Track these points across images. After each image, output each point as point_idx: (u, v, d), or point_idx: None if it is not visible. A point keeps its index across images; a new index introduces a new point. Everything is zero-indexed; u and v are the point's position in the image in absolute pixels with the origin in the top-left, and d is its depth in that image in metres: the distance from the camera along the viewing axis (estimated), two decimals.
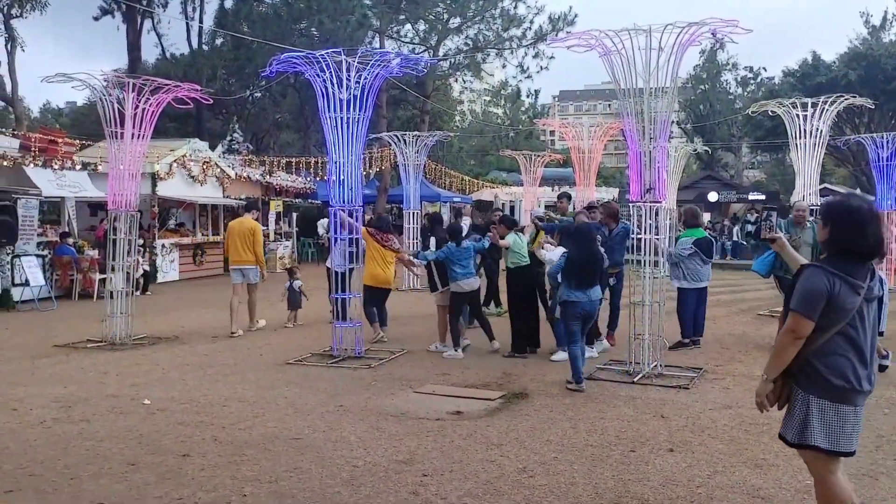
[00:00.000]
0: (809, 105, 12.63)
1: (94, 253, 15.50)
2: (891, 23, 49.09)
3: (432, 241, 10.01)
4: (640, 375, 7.80)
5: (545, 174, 24.91)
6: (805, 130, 12.65)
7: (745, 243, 27.18)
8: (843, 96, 12.79)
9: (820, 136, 12.66)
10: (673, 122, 62.68)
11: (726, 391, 7.31)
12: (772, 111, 13.76)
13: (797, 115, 12.71)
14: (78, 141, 18.34)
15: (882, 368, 7.10)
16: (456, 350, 9.12)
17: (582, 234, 7.90)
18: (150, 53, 35.49)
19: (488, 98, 67.60)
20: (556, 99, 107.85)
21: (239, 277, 11.02)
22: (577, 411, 6.57)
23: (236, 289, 10.97)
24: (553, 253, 8.56)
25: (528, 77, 32.05)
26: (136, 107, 9.94)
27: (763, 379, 3.54)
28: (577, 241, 7.81)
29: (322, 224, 17.95)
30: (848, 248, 3.41)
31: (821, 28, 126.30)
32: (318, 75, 8.73)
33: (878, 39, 46.67)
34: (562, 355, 8.56)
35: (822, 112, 12.56)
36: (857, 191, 33.36)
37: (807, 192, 13.00)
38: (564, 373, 8.00)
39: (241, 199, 21.55)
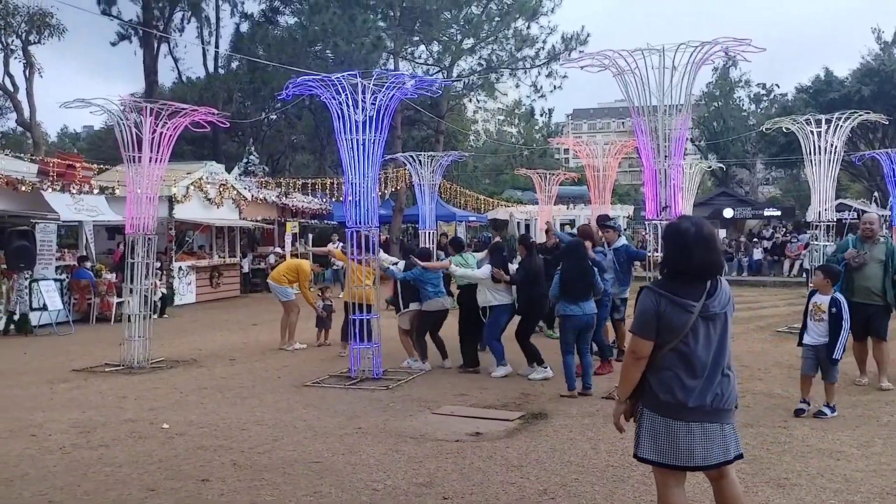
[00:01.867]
0: (824, 121, 12.56)
1: (112, 276, 15.61)
2: None
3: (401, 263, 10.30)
4: None
5: (560, 192, 24.93)
6: (820, 147, 12.58)
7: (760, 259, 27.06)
8: (857, 112, 12.70)
9: (835, 153, 12.58)
10: (687, 139, 62.63)
11: (746, 409, 7.22)
12: (786, 128, 13.70)
13: (811, 132, 12.64)
14: (95, 165, 18.55)
15: (818, 414, 6.88)
16: (424, 362, 9.58)
17: (573, 251, 8.29)
18: (166, 77, 35.99)
19: (502, 117, 67.80)
20: (570, 117, 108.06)
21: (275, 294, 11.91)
22: (597, 432, 6.51)
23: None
24: (481, 271, 9.18)
25: (542, 96, 32.16)
26: (154, 131, 10.05)
27: (616, 401, 3.67)
28: (569, 257, 8.21)
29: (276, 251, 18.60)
30: (675, 268, 3.51)
31: (832, 44, 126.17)
32: (333, 97, 8.80)
33: (890, 55, 46.45)
34: (501, 371, 9.08)
35: (836, 128, 12.49)
36: (872, 206, 33.01)
37: (822, 207, 12.91)
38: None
39: (257, 221, 21.71)
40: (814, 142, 12.64)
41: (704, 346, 3.44)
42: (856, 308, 7.57)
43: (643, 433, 3.53)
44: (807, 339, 7.08)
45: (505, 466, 5.57)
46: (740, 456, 3.58)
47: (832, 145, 12.53)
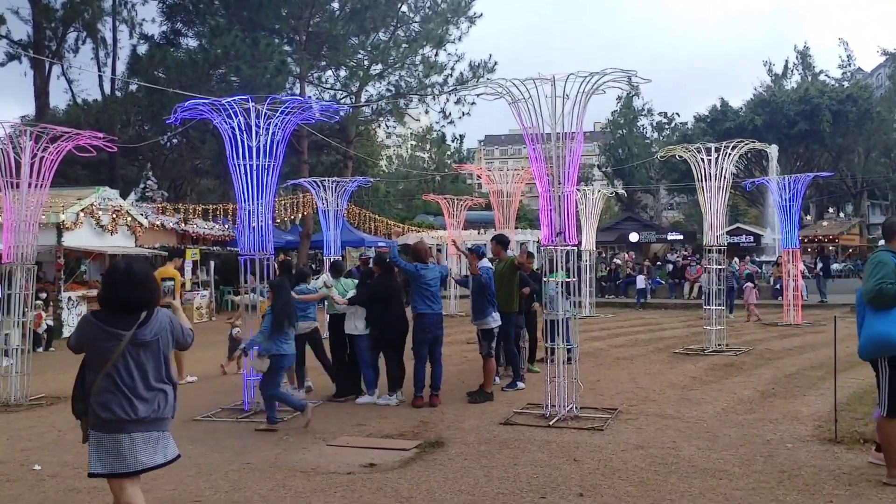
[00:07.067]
0: (713, 149, 13.12)
1: None
2: (791, 71, 52.21)
3: None
4: (555, 419, 7.78)
5: (469, 217, 25.14)
6: (710, 173, 13.11)
7: (662, 282, 27.95)
8: (744, 141, 13.36)
9: (724, 179, 13.12)
10: (593, 165, 64.41)
11: (639, 431, 7.35)
12: (679, 155, 14.24)
13: (703, 159, 13.17)
14: None
15: None
16: (300, 390, 9.57)
17: (280, 287, 8.22)
18: (60, 99, 34.61)
19: (414, 143, 68.17)
20: (482, 143, 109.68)
21: None
22: (492, 458, 6.47)
23: None
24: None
25: (451, 122, 32.47)
26: (35, 155, 9.55)
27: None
28: (278, 294, 8.09)
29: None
30: (102, 300, 4.03)
31: (728, 75, 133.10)
32: (226, 122, 8.58)
33: (780, 87, 49.28)
34: (366, 398, 9.07)
35: (726, 156, 13.06)
36: (767, 230, 34.68)
37: (714, 232, 13.43)
38: (481, 419, 8.00)
39: (154, 249, 20.93)
40: (705, 168, 13.17)
41: (137, 369, 3.94)
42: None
43: (91, 452, 3.95)
44: None
45: (395, 498, 5.44)
46: (178, 456, 4.20)
47: (722, 172, 13.08)
